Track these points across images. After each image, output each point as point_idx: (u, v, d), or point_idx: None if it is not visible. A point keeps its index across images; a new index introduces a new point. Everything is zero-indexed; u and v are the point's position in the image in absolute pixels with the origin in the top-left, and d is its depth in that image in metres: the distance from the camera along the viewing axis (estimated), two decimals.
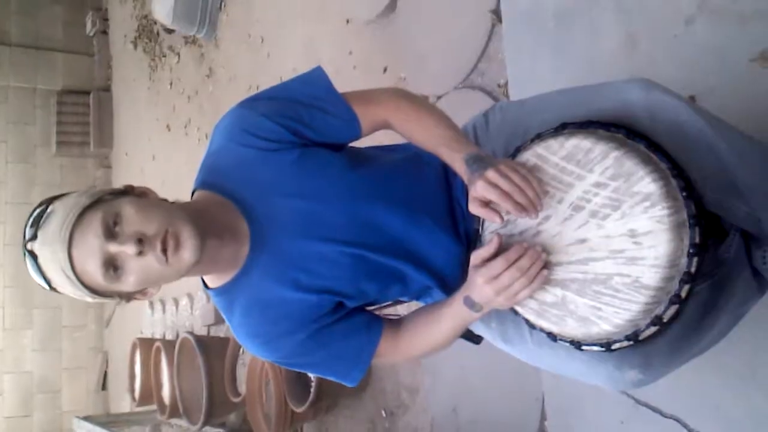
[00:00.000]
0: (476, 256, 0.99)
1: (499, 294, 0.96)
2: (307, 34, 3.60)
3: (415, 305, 1.26)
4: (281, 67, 3.85)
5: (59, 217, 0.94)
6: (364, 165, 1.14)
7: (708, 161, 0.96)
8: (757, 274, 1.07)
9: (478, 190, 0.96)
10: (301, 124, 1.09)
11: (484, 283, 0.96)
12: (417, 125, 1.12)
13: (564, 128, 1.02)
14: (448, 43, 2.63)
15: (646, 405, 1.73)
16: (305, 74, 1.16)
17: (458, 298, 1.03)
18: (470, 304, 1.00)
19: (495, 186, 0.95)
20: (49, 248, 0.94)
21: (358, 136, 1.15)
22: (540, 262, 0.95)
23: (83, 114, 7.34)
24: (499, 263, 0.95)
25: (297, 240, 1.07)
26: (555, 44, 2.05)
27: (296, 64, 3.66)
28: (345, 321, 1.12)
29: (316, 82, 1.14)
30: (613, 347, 0.96)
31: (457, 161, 1.03)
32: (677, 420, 1.66)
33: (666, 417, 1.68)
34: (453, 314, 1.05)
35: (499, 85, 2.37)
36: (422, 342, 1.13)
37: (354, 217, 1.08)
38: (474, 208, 0.99)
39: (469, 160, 1.00)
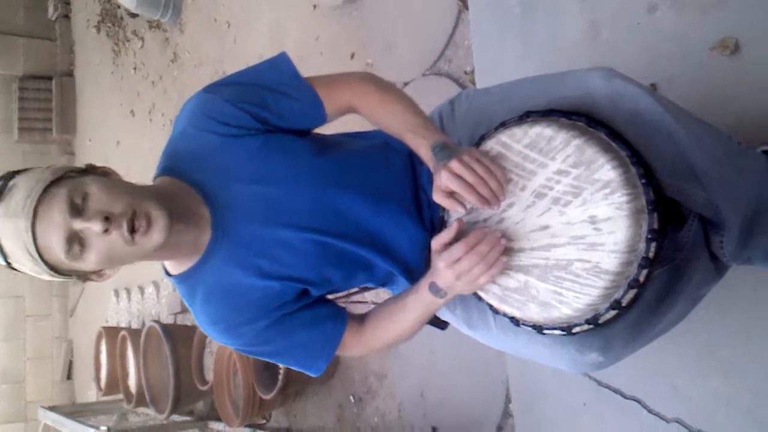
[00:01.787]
0: (437, 241, 1.00)
1: (460, 278, 0.97)
2: (274, 19, 3.57)
3: (383, 292, 1.27)
4: (247, 52, 3.81)
5: (22, 191, 0.92)
6: (331, 151, 1.14)
7: (667, 148, 0.98)
8: (714, 259, 1.10)
9: (443, 180, 0.97)
10: (265, 109, 1.08)
11: (446, 268, 0.97)
12: (383, 110, 1.12)
13: (527, 116, 1.03)
14: (416, 29, 2.62)
15: (608, 387, 1.78)
16: (270, 60, 1.15)
17: (423, 285, 1.03)
18: (435, 290, 1.01)
19: (458, 177, 0.96)
20: (11, 222, 0.92)
21: (323, 121, 1.14)
22: (499, 247, 0.97)
23: (45, 100, 7.18)
24: (459, 247, 0.96)
25: (260, 226, 1.06)
26: (520, 32, 2.07)
27: (262, 50, 3.62)
28: (309, 310, 1.12)
29: (281, 67, 1.13)
30: (573, 331, 0.98)
31: (423, 148, 1.04)
32: (637, 401, 1.70)
33: (627, 398, 1.73)
34: (418, 301, 1.06)
35: (465, 72, 2.38)
36: (388, 331, 1.14)
37: (319, 203, 1.08)
38: (438, 198, 1.00)
39: (435, 148, 1.01)
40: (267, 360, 1.17)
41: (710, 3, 1.55)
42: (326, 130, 1.18)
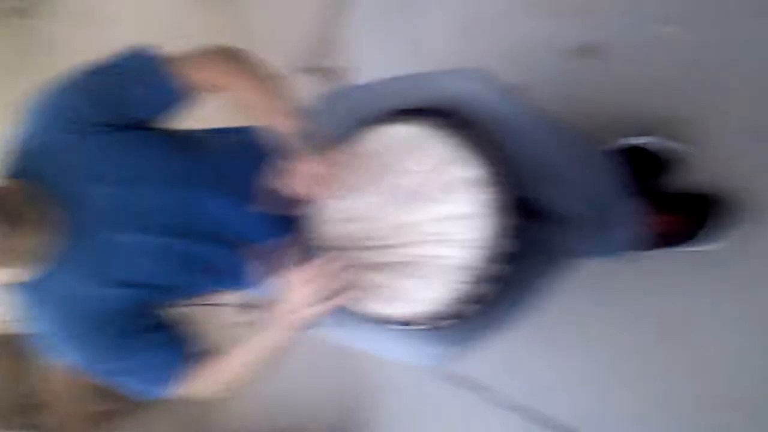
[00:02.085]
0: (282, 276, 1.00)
1: (296, 318, 1.00)
2: (141, 8, 3.40)
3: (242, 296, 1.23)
4: (112, 42, 3.60)
5: None
6: (190, 149, 1.09)
7: (525, 148, 1.03)
8: (564, 252, 1.17)
9: (294, 173, 0.99)
10: (121, 103, 1.01)
11: (285, 312, 1.00)
12: (246, 91, 1.05)
13: (400, 115, 1.05)
14: (292, 23, 2.59)
15: (462, 378, 1.84)
16: (130, 50, 1.09)
17: (268, 320, 1.03)
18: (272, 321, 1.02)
19: (304, 174, 0.98)
20: None
21: (185, 102, 1.08)
22: (337, 281, 1.00)
23: None
24: (296, 293, 0.99)
25: (113, 230, 1.00)
26: (396, 31, 2.10)
27: (129, 40, 3.44)
28: (155, 332, 1.06)
29: (139, 55, 1.07)
30: (435, 326, 1.00)
31: (283, 132, 1.02)
32: (491, 390, 1.78)
33: (481, 387, 1.80)
34: (265, 335, 1.05)
35: (343, 69, 2.38)
36: (237, 362, 1.09)
37: (177, 205, 1.03)
38: (286, 189, 1.01)
39: (296, 134, 1.00)
40: (106, 381, 1.06)
41: (570, 8, 1.65)
42: (186, 124, 1.13)
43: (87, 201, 0.99)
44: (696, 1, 1.43)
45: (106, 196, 1.00)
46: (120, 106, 1.01)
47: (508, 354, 1.71)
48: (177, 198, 1.03)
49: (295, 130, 1.00)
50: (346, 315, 1.11)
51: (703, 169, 1.41)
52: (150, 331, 1.05)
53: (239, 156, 1.13)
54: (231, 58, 1.08)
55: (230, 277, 1.12)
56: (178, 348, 1.08)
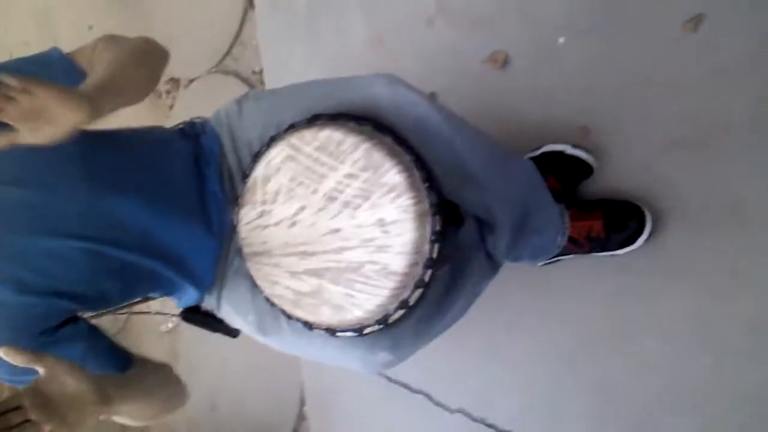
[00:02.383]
0: None
1: None
2: (42, 5, 3.22)
3: (169, 301, 1.19)
4: (11, 41, 3.39)
5: None
6: (104, 150, 1.04)
7: (445, 154, 1.04)
8: (489, 257, 1.19)
9: None
10: None
11: None
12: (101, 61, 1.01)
13: (317, 119, 1.03)
14: (200, 24, 2.53)
15: (397, 382, 1.85)
16: (39, 53, 1.03)
17: None
18: None
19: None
20: None
21: None
22: None
23: None
24: None
25: (20, 234, 0.94)
26: (308, 34, 2.08)
27: (29, 38, 3.25)
28: (79, 342, 1.00)
29: (49, 57, 1.02)
30: (365, 332, 0.99)
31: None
32: (424, 394, 1.79)
33: (415, 392, 1.82)
34: None
35: (254, 72, 2.34)
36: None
37: (90, 208, 0.98)
38: None
39: None
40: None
41: (482, 19, 1.68)
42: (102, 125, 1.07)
43: None
44: (602, 12, 1.48)
45: (10, 198, 0.94)
46: None
47: (441, 359, 1.72)
48: (91, 201, 0.98)
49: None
50: (275, 321, 1.09)
51: (617, 176, 1.46)
52: (71, 341, 0.99)
53: (153, 158, 1.09)
54: (114, 40, 1.06)
55: (160, 285, 1.08)
56: (103, 358, 1.02)
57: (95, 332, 1.05)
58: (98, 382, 0.86)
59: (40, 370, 0.80)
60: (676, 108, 1.39)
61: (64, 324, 0.99)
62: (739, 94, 1.32)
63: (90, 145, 1.02)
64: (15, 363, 0.79)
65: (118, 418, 0.97)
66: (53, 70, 1.00)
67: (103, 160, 1.02)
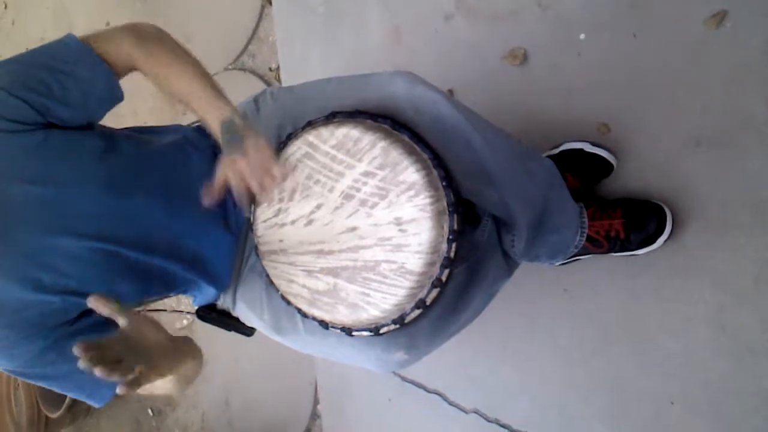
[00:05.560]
0: None
1: None
2: (59, 0, 3.24)
3: (185, 299, 1.19)
4: (28, 36, 3.42)
5: None
6: (123, 150, 1.03)
7: (464, 152, 1.03)
8: (506, 256, 1.17)
9: (222, 167, 0.97)
10: (48, 96, 0.94)
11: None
12: (170, 74, 1.02)
13: (334, 117, 1.03)
14: (217, 21, 2.53)
15: (412, 382, 1.84)
16: (54, 41, 1.01)
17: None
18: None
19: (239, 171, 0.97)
20: None
21: (117, 93, 1.04)
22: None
23: None
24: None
25: (38, 234, 0.94)
26: (325, 32, 2.07)
27: (45, 34, 3.27)
28: (95, 333, 1.00)
29: (66, 44, 1.00)
30: (381, 331, 0.99)
31: (211, 122, 0.99)
32: (439, 394, 1.78)
33: (429, 392, 1.81)
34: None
35: (270, 69, 2.34)
36: None
37: (108, 208, 0.98)
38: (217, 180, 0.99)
39: (224, 125, 0.98)
40: (45, 386, 1.03)
41: (500, 15, 1.66)
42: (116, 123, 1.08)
43: (8, 202, 0.92)
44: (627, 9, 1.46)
45: (29, 197, 0.93)
46: (46, 103, 0.95)
47: (455, 359, 1.71)
48: (109, 201, 0.98)
49: (224, 120, 0.97)
50: (290, 320, 1.08)
51: (638, 174, 1.44)
52: (89, 331, 1.00)
53: (172, 157, 1.09)
54: (154, 41, 1.04)
55: (177, 284, 1.08)
56: None
57: (111, 326, 1.05)
58: (171, 336, 0.95)
59: (122, 322, 0.85)
60: (697, 105, 1.36)
61: (81, 316, 1.00)
62: (762, 91, 1.29)
63: (109, 145, 1.02)
64: (100, 312, 0.84)
65: (161, 384, 1.02)
66: (69, 64, 0.98)
67: (123, 159, 1.02)
